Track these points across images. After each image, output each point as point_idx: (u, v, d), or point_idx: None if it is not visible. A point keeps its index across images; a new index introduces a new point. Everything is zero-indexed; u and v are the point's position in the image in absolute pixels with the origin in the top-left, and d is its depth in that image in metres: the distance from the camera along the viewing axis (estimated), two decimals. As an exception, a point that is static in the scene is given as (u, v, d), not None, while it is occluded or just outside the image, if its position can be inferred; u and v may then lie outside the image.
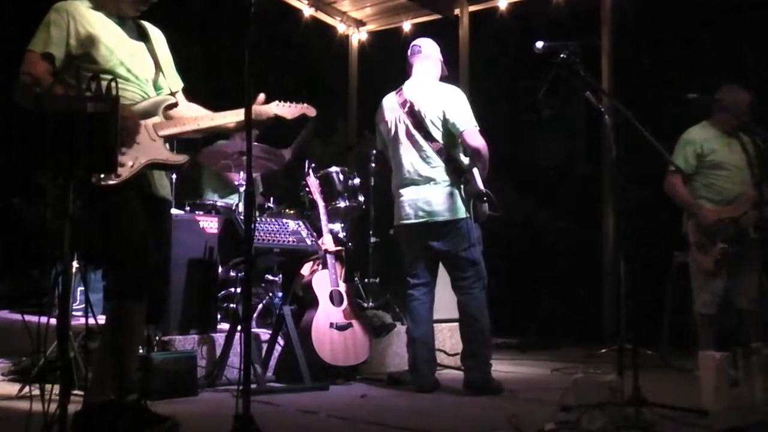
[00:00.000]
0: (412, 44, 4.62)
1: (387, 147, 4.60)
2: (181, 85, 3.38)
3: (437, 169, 4.36)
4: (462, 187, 4.34)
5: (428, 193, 4.35)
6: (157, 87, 3.24)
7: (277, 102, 3.42)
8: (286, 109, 3.45)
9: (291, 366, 4.46)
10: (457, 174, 4.35)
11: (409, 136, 4.42)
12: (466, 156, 4.43)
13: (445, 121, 4.36)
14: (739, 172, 4.77)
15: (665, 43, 6.90)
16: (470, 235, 4.32)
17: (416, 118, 4.40)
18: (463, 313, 4.37)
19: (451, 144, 4.38)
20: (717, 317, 4.71)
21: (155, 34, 3.31)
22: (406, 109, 4.45)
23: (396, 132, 4.48)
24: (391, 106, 4.55)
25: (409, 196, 4.42)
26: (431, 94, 4.44)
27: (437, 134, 4.37)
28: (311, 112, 3.58)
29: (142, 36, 3.23)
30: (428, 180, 4.36)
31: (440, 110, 4.37)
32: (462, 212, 4.32)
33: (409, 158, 4.42)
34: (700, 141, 4.85)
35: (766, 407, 3.71)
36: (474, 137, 4.31)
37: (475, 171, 4.34)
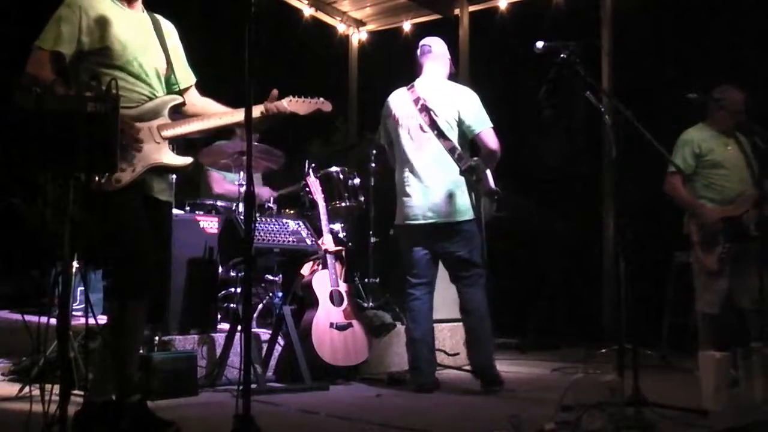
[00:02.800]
0: (421, 44, 4.60)
1: (391, 143, 4.57)
2: (194, 80, 3.31)
3: (447, 168, 4.32)
4: (471, 186, 4.33)
5: (436, 194, 4.33)
6: (167, 84, 3.20)
7: (290, 97, 3.32)
8: (300, 105, 3.35)
9: (291, 366, 4.46)
10: (468, 173, 4.32)
11: (421, 133, 4.39)
12: (477, 155, 4.41)
13: (460, 122, 4.35)
14: (738, 171, 4.77)
15: (665, 43, 6.89)
16: (476, 236, 4.32)
17: (430, 116, 4.37)
18: (465, 303, 4.38)
19: (462, 144, 4.37)
20: (719, 317, 4.71)
21: (167, 27, 3.25)
22: (419, 106, 4.41)
23: (406, 129, 4.44)
24: (401, 102, 4.50)
25: (416, 195, 4.38)
26: (445, 93, 4.43)
27: (451, 133, 4.35)
28: (327, 107, 3.47)
29: (155, 29, 3.17)
30: (437, 179, 4.33)
31: (455, 110, 4.35)
32: (469, 214, 4.32)
33: (419, 156, 4.38)
34: (697, 141, 4.85)
35: (766, 407, 3.71)
36: (491, 137, 4.33)
37: (487, 169, 4.35)
